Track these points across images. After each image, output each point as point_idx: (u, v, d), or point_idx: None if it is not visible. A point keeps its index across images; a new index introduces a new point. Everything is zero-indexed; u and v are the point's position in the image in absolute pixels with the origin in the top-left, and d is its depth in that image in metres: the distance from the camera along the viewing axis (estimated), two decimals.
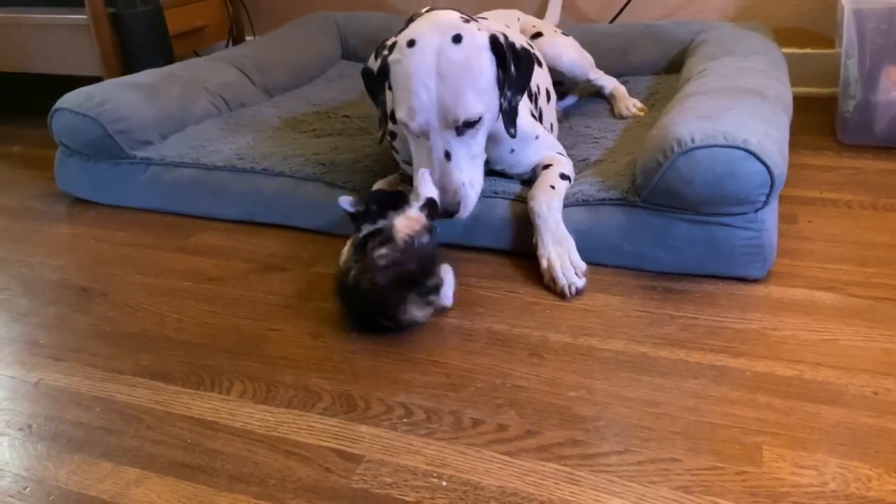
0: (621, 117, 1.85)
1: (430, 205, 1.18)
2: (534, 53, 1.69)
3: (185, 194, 1.61)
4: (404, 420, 0.97)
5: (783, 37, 2.08)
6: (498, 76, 1.22)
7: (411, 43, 1.18)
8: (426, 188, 1.18)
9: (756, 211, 1.21)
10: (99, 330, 1.22)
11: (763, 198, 1.18)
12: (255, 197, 1.55)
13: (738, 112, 1.29)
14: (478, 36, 1.20)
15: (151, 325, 1.22)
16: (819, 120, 1.97)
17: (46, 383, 1.09)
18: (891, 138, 1.75)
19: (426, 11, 1.27)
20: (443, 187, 1.19)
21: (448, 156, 1.19)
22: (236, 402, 1.02)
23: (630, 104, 1.88)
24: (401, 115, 1.19)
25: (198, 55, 2.62)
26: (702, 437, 0.91)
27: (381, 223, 1.18)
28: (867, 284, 1.20)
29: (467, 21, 1.23)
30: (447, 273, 1.19)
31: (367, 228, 1.20)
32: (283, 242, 1.49)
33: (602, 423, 0.94)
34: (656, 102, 1.88)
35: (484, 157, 1.26)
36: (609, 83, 1.99)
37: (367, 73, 1.29)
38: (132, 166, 1.67)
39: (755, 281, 1.23)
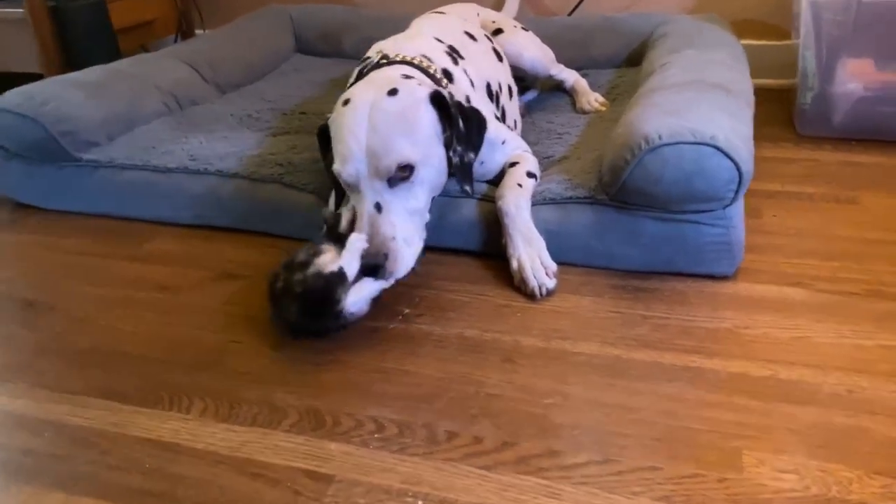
0: (583, 112, 1.83)
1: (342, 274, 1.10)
2: (493, 48, 1.67)
3: (137, 198, 1.54)
4: (376, 435, 0.93)
5: (740, 28, 2.08)
6: (443, 131, 1.17)
7: (346, 102, 1.16)
8: (347, 256, 1.09)
9: (724, 207, 1.20)
10: (47, 346, 1.15)
11: (731, 194, 1.17)
12: (210, 200, 1.49)
13: (704, 107, 1.28)
14: (417, 90, 1.16)
15: (104, 340, 1.16)
16: (777, 111, 1.98)
17: None
18: (848, 130, 1.76)
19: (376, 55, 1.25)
20: (370, 240, 1.10)
21: (379, 208, 1.12)
22: (197, 422, 0.97)
23: (592, 99, 1.86)
24: (335, 166, 1.14)
25: (145, 51, 2.52)
26: (681, 442, 0.89)
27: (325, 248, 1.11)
28: (834, 279, 1.21)
29: (408, 77, 1.20)
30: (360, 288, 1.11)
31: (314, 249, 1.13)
32: (239, 248, 1.43)
33: (579, 432, 0.92)
34: (618, 97, 1.86)
35: (426, 217, 1.18)
36: (570, 77, 1.96)
37: (320, 135, 1.24)
38: (78, 169, 1.59)
39: (724, 278, 1.22)
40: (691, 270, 1.23)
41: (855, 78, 1.73)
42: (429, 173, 1.16)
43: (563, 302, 1.19)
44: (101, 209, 1.58)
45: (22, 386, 1.06)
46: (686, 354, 1.05)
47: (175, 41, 2.53)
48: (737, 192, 1.17)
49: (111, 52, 2.06)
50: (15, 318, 1.24)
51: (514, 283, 1.23)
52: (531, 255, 1.23)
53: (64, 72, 1.96)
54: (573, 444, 0.90)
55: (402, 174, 1.12)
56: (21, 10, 1.97)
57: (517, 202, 1.28)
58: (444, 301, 1.21)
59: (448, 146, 1.18)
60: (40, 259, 1.44)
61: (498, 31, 1.81)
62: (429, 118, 1.16)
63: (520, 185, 1.31)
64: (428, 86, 1.19)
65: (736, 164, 1.15)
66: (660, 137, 1.17)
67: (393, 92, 1.14)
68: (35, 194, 1.64)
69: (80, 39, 2.00)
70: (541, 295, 1.19)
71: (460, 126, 1.17)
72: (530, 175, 1.36)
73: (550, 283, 1.21)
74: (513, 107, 1.63)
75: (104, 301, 1.27)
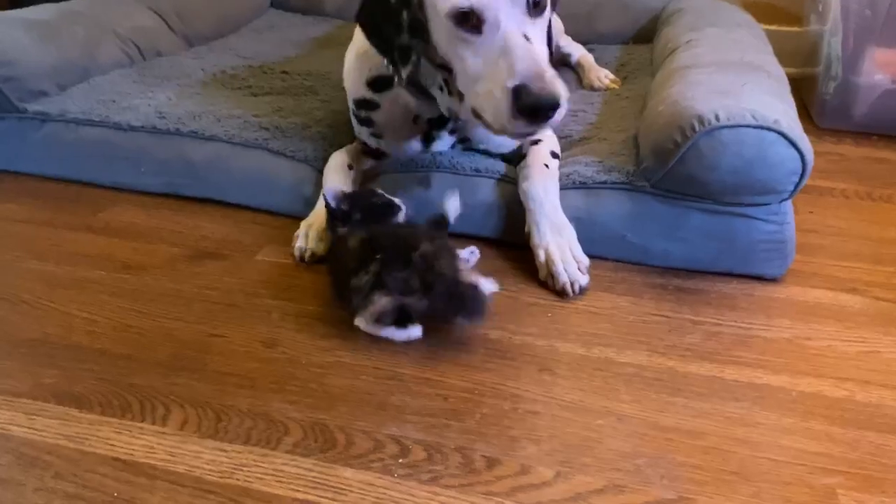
0: (592, 89, 1.68)
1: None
2: None
3: (92, 159, 1.33)
4: (400, 461, 0.77)
5: (749, 10, 1.96)
6: None
7: None
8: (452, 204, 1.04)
9: (780, 202, 1.07)
10: None
11: (792, 186, 1.05)
12: (182, 165, 1.29)
13: (755, 89, 1.15)
14: None
15: (55, 329, 0.96)
16: None
17: None
18: (871, 124, 1.67)
19: None
20: (537, 73, 0.89)
21: (528, 41, 0.93)
22: (176, 437, 0.79)
23: (602, 75, 1.72)
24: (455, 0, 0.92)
25: None
26: (763, 478, 0.76)
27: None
28: (890, 286, 1.09)
29: None
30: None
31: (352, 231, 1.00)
32: (217, 222, 1.24)
33: (643, 462, 0.77)
34: (629, 74, 1.72)
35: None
36: (576, 51, 1.82)
37: (374, 3, 1.00)
38: (22, 122, 1.36)
39: (772, 280, 1.10)
40: (738, 270, 1.10)
41: (882, 69, 1.63)
42: (550, 11, 1.00)
43: (598, 301, 1.04)
44: (48, 170, 1.36)
45: None
46: (749, 369, 0.91)
47: None
48: (798, 184, 1.05)
49: None
50: None
51: (539, 276, 1.08)
52: (561, 246, 1.08)
53: (5, 8, 1.71)
54: (639, 477, 0.75)
55: (540, 4, 0.94)
56: None
57: (545, 185, 1.12)
58: None
59: None
60: None
61: None
62: None
63: (546, 166, 1.16)
64: None
65: (801, 152, 1.02)
66: (717, 119, 1.02)
67: None
68: None
69: None
70: (573, 292, 1.05)
71: None
72: (554, 155, 1.21)
73: (583, 279, 1.06)
74: None
75: (54, 280, 1.07)
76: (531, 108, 0.90)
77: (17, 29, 1.41)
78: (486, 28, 0.93)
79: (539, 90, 0.89)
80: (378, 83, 1.15)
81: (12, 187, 1.35)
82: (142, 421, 0.81)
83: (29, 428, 0.80)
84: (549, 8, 0.99)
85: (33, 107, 1.36)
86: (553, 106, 0.90)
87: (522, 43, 0.92)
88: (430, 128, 1.20)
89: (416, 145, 1.23)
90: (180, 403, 0.84)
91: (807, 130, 1.65)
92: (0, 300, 1.02)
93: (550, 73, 0.91)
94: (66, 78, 1.43)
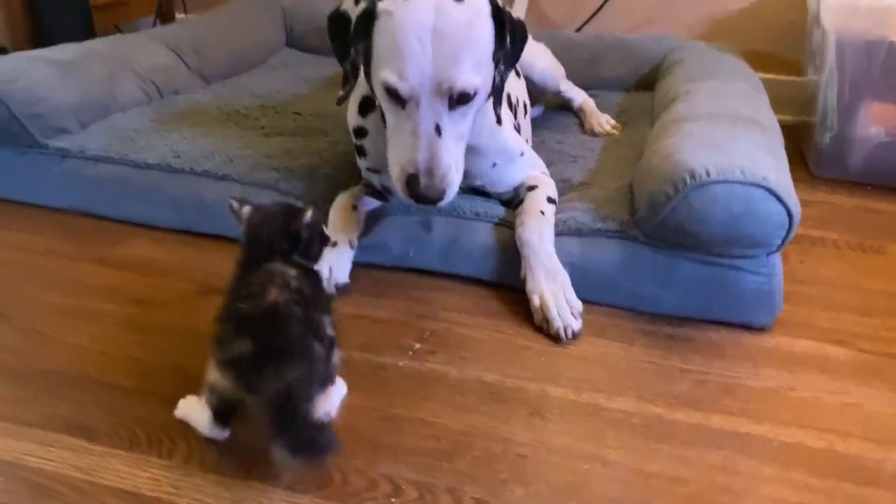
0: (593, 134, 1.73)
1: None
2: None
3: (109, 194, 1.38)
4: (392, 500, 0.80)
5: (750, 60, 2.01)
6: (494, 49, 1.06)
7: None
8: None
9: (768, 254, 1.11)
10: (0, 364, 0.99)
11: (779, 241, 1.09)
12: (195, 203, 1.34)
13: (747, 144, 1.19)
14: (479, 0, 1.04)
15: (68, 361, 1.01)
16: (788, 150, 1.91)
17: None
18: (865, 174, 1.71)
19: None
20: (429, 169, 1.01)
21: (439, 131, 1.01)
22: (181, 470, 0.83)
23: (602, 120, 1.77)
24: (386, 75, 1.00)
25: (119, 31, 2.34)
26: None
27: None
28: (877, 338, 1.12)
29: None
30: None
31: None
32: (227, 259, 1.25)
33: None
34: (629, 121, 1.78)
35: (466, 141, 1.09)
36: (578, 96, 1.87)
37: (338, 18, 1.07)
38: (44, 157, 1.42)
39: (761, 329, 1.13)
40: (728, 319, 1.13)
41: (877, 122, 1.67)
42: (482, 98, 1.06)
43: (590, 347, 1.08)
44: (66, 203, 1.42)
45: None
46: (733, 417, 0.94)
47: (154, 24, 2.35)
48: (785, 238, 1.08)
49: (85, 30, 1.89)
50: None
51: (534, 320, 1.12)
52: (555, 291, 1.12)
53: (32, 47, 1.79)
54: None
55: (464, 98, 1.01)
56: None
57: (540, 231, 1.17)
58: (458, 337, 1.09)
59: (496, 65, 1.07)
60: None
61: None
62: (489, 34, 1.04)
63: (542, 213, 1.20)
64: None
65: (787, 209, 1.06)
66: (708, 174, 1.07)
67: None
68: None
69: (52, 14, 1.82)
70: (566, 337, 1.08)
71: (508, 43, 1.06)
72: (551, 200, 1.25)
73: (576, 324, 1.10)
74: (527, 125, 1.53)
75: (68, 312, 1.11)
76: (416, 197, 1.03)
77: (43, 68, 1.48)
78: (407, 106, 1.02)
79: (425, 186, 1.01)
80: (364, 106, 1.20)
81: (30, 218, 1.40)
82: (148, 454, 0.85)
83: (42, 458, 0.84)
84: (479, 95, 1.04)
85: (55, 143, 1.42)
86: (436, 200, 1.03)
87: (429, 134, 1.01)
88: None
89: None
90: (185, 438, 0.88)
91: (803, 179, 1.73)
92: (15, 330, 1.07)
93: (444, 168, 1.02)
94: (87, 115, 1.49)
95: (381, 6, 1.02)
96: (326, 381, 0.81)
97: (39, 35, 1.84)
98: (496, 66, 1.07)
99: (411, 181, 1.02)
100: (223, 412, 0.83)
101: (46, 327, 1.08)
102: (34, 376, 0.97)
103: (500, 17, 1.04)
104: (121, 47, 1.71)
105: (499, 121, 1.14)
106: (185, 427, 0.89)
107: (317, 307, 0.83)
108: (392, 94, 1.02)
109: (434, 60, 0.99)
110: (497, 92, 1.10)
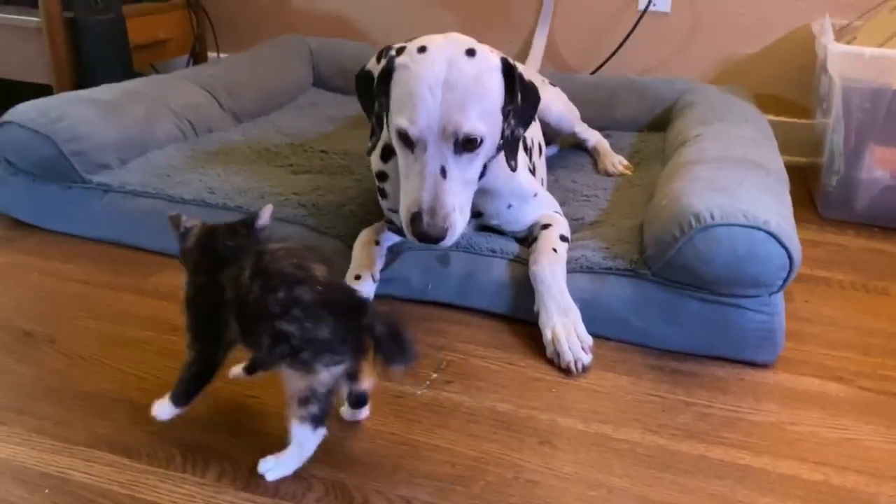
0: (607, 174, 1.80)
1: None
2: None
3: (146, 226, 1.46)
4: None
5: (760, 102, 2.08)
6: (504, 103, 1.14)
7: (422, 49, 1.11)
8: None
9: (770, 294, 1.16)
10: (46, 386, 1.07)
11: (780, 281, 1.14)
12: None
13: (751, 188, 1.25)
14: (490, 56, 1.14)
15: (109, 384, 1.08)
16: (797, 190, 1.95)
17: None
18: (872, 216, 1.75)
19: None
20: (432, 208, 1.08)
21: (444, 173, 1.09)
22: (214, 488, 0.89)
23: (616, 161, 1.84)
24: (399, 120, 1.09)
25: (155, 70, 2.46)
26: None
27: None
28: (876, 377, 1.17)
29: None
30: None
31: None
32: None
33: None
34: (642, 161, 1.84)
35: (475, 187, 1.17)
36: (592, 137, 1.94)
37: (364, 77, 1.19)
38: (86, 191, 1.51)
39: (763, 366, 1.18)
40: (731, 356, 1.18)
41: (882, 166, 1.73)
42: (489, 147, 1.14)
43: (599, 380, 1.13)
44: (106, 235, 1.50)
45: (19, 430, 0.98)
46: (734, 449, 0.99)
47: (188, 63, 2.47)
48: (786, 279, 1.14)
49: (125, 70, 2.00)
50: (10, 349, 1.15)
51: (546, 353, 1.18)
52: (567, 326, 1.18)
53: (75, 86, 1.90)
54: None
55: (470, 145, 1.09)
56: (36, 19, 1.89)
57: (553, 269, 1.23)
58: (473, 368, 1.15)
59: (505, 118, 1.15)
60: (38, 284, 1.35)
61: None
62: (499, 89, 1.13)
63: (554, 251, 1.27)
64: (497, 54, 1.15)
65: (788, 251, 1.12)
66: (712, 217, 1.13)
67: (471, 52, 1.11)
68: (35, 213, 1.56)
69: (95, 54, 1.93)
70: (577, 370, 1.14)
71: (519, 99, 1.14)
72: (563, 238, 1.32)
73: (587, 358, 1.15)
74: (542, 164, 1.60)
75: (108, 338, 1.19)
76: (418, 236, 1.09)
77: (86, 107, 1.58)
78: (416, 149, 1.10)
79: (427, 224, 1.07)
80: (386, 152, 1.27)
81: (72, 248, 1.49)
82: (184, 472, 0.92)
83: (86, 474, 0.91)
84: (485, 143, 1.11)
85: (97, 178, 1.51)
86: (438, 239, 1.09)
87: (434, 176, 1.09)
88: None
89: None
90: (218, 458, 0.94)
91: (811, 220, 1.79)
92: (60, 355, 1.15)
93: (447, 209, 1.08)
94: (127, 152, 1.59)
95: (398, 61, 1.11)
96: None
97: (82, 73, 1.95)
98: (506, 119, 1.15)
99: (415, 219, 1.09)
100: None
101: (89, 352, 1.15)
102: (78, 398, 1.05)
103: (511, 74, 1.13)
104: (158, 87, 1.81)
105: (512, 170, 1.20)
106: (217, 448, 0.95)
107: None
108: (403, 137, 1.10)
109: (442, 107, 1.07)
110: (508, 144, 1.17)
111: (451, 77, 1.08)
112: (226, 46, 2.57)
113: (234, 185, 1.50)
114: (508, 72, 1.13)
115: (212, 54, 2.56)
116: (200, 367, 0.94)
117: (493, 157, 1.20)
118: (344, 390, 0.92)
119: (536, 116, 1.67)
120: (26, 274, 1.39)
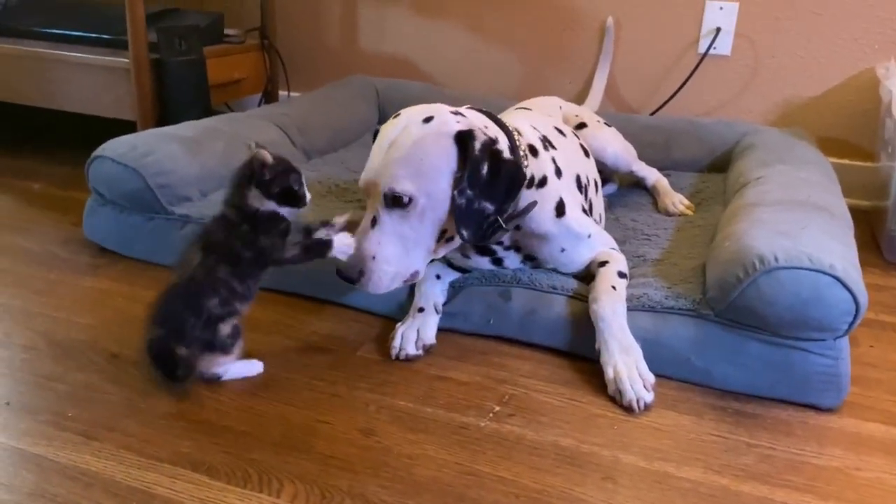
0: (667, 213, 1.82)
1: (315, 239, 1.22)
2: (580, 144, 1.66)
3: None
4: None
5: (823, 145, 2.07)
6: (455, 170, 1.17)
7: (398, 114, 1.24)
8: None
9: (835, 339, 1.16)
10: (133, 405, 1.14)
11: (846, 326, 1.14)
12: (297, 267, 1.47)
13: (815, 231, 1.26)
14: (448, 124, 1.19)
15: (188, 406, 1.14)
16: (861, 234, 1.93)
17: (77, 465, 1.00)
18: None
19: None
20: (354, 252, 1.19)
21: (373, 223, 1.19)
22: None
23: (676, 200, 1.85)
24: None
25: (230, 108, 2.59)
26: None
27: None
28: None
29: (458, 115, 1.22)
30: None
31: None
32: (324, 319, 1.42)
33: None
34: (703, 201, 1.85)
35: (430, 248, 1.22)
36: (651, 175, 1.97)
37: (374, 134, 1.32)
38: (168, 222, 1.60)
39: (827, 410, 1.18)
40: (794, 399, 1.18)
41: None
42: (433, 208, 1.18)
43: (661, 419, 1.15)
44: None
45: (108, 446, 1.04)
46: (798, 493, 0.99)
47: (260, 102, 2.59)
48: (851, 324, 1.14)
49: (204, 109, 2.11)
50: (100, 369, 1.23)
51: (608, 391, 1.19)
52: (628, 364, 1.20)
53: (157, 122, 2.01)
54: None
55: (398, 202, 1.16)
56: (125, 60, 2.03)
57: (613, 307, 1.25)
58: (536, 402, 1.18)
59: (456, 185, 1.17)
60: (123, 309, 1.44)
61: (581, 125, 1.82)
62: (442, 154, 1.17)
63: (614, 288, 1.29)
64: (467, 125, 1.19)
65: (854, 296, 1.12)
66: (776, 260, 1.14)
67: (427, 119, 1.19)
68: (119, 242, 1.66)
69: (177, 93, 2.05)
70: (638, 409, 1.15)
71: (481, 171, 1.15)
72: (622, 275, 1.34)
73: (648, 396, 1.17)
74: (598, 201, 1.63)
75: None
76: (336, 271, 1.22)
77: (171, 143, 1.68)
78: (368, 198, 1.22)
79: (345, 266, 1.20)
80: None
81: (153, 275, 1.57)
82: (260, 492, 0.96)
83: (169, 489, 0.96)
84: (416, 204, 1.16)
85: (179, 210, 1.60)
86: (349, 280, 1.21)
87: (365, 224, 1.21)
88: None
89: (484, 262, 1.39)
90: (291, 479, 0.99)
91: (876, 264, 1.77)
92: (144, 375, 1.21)
93: (362, 255, 1.18)
94: (207, 185, 1.68)
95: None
96: None
97: (164, 110, 2.07)
98: (457, 187, 1.15)
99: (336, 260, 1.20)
100: None
101: None
102: (161, 418, 1.11)
103: (464, 144, 1.16)
104: (236, 125, 1.91)
105: (464, 240, 1.20)
106: (290, 469, 1.00)
107: None
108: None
109: (381, 164, 1.18)
110: (462, 213, 1.15)
111: (398, 139, 1.18)
112: (296, 86, 2.69)
113: (305, 219, 1.56)
114: (462, 142, 1.16)
115: (283, 93, 2.67)
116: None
117: (532, 205, 1.25)
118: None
119: (591, 154, 1.72)
120: (112, 299, 1.47)
